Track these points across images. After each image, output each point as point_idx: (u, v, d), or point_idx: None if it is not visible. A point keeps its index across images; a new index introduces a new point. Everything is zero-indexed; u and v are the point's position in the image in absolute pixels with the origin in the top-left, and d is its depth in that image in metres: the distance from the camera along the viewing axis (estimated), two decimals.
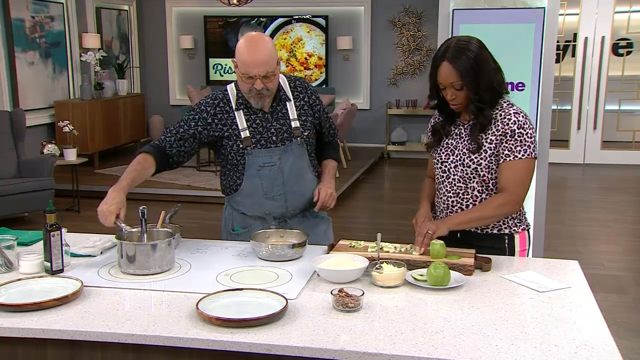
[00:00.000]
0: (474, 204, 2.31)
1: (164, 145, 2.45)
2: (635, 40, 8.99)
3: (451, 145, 2.33)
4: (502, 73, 2.27)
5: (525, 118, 2.24)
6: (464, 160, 2.28)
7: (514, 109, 2.25)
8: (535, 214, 3.93)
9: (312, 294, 1.95)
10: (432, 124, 2.43)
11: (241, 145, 2.45)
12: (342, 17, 9.66)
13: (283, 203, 2.51)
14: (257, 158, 2.45)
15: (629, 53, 9.05)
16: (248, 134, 2.45)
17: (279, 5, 9.72)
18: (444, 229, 2.20)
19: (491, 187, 2.29)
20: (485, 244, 2.32)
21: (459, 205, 2.34)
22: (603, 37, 8.96)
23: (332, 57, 9.77)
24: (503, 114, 2.24)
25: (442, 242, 2.17)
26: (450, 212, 2.36)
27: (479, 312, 1.82)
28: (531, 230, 2.45)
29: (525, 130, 2.21)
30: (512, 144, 2.21)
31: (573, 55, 9.13)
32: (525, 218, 2.40)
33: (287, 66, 9.85)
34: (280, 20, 9.81)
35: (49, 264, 2.11)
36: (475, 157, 2.26)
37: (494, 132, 2.23)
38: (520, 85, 3.80)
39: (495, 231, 2.33)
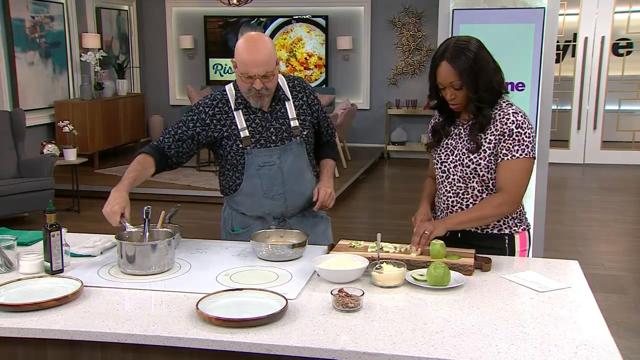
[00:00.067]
0: (474, 204, 2.31)
1: (162, 146, 2.45)
2: (635, 40, 8.99)
3: (451, 145, 2.33)
4: (501, 73, 2.27)
5: (524, 118, 2.24)
6: (463, 160, 2.28)
7: (512, 109, 2.25)
8: (535, 214, 3.93)
9: (312, 294, 1.95)
10: (432, 124, 2.43)
11: (240, 145, 2.45)
12: (342, 17, 9.66)
13: (283, 202, 2.51)
14: (256, 158, 2.45)
15: (629, 53, 9.06)
16: (247, 134, 2.45)
17: (279, 5, 9.72)
18: (442, 229, 2.20)
19: (491, 187, 2.29)
20: (486, 244, 2.32)
21: (458, 205, 2.34)
22: (603, 37, 8.96)
23: (332, 57, 9.78)
24: (502, 113, 2.24)
25: (442, 242, 2.17)
26: (450, 212, 2.36)
27: (479, 312, 1.82)
28: (531, 230, 2.45)
29: (523, 130, 2.21)
30: (511, 144, 2.21)
31: (573, 55, 9.13)
32: (525, 218, 2.40)
33: (287, 66, 9.85)
34: (280, 20, 9.81)
35: (49, 264, 2.11)
36: (475, 157, 2.26)
37: (492, 132, 2.23)
38: (520, 85, 3.80)
39: (495, 231, 2.33)
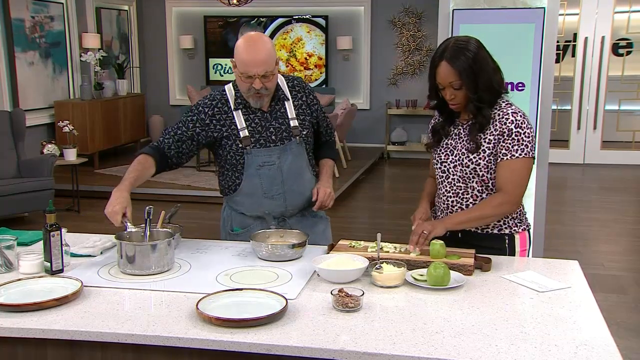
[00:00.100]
0: (474, 204, 2.31)
1: (162, 147, 2.45)
2: (635, 40, 8.99)
3: (450, 145, 2.33)
4: (500, 73, 2.27)
5: (524, 117, 2.24)
6: (462, 160, 2.28)
7: (512, 109, 2.25)
8: (535, 214, 3.93)
9: (312, 294, 1.95)
10: (432, 124, 2.44)
11: (240, 145, 2.45)
12: (342, 17, 9.66)
13: (282, 202, 2.51)
14: (256, 157, 2.45)
15: (629, 53, 9.06)
16: (247, 134, 2.45)
17: (279, 5, 9.72)
18: (441, 229, 2.20)
19: (491, 187, 2.29)
20: (486, 244, 2.32)
21: (458, 205, 2.34)
22: (603, 37, 8.96)
23: (332, 57, 9.78)
24: (501, 113, 2.24)
25: (442, 242, 2.17)
26: (450, 212, 2.36)
27: (479, 312, 1.82)
28: (531, 230, 2.45)
29: (523, 130, 2.21)
30: (510, 143, 2.21)
31: (573, 55, 9.13)
32: (525, 218, 2.40)
33: (287, 66, 9.85)
34: (280, 20, 9.81)
35: (49, 264, 2.11)
36: (474, 157, 2.26)
37: (492, 132, 2.24)
38: (520, 85, 3.80)
39: (495, 231, 2.33)
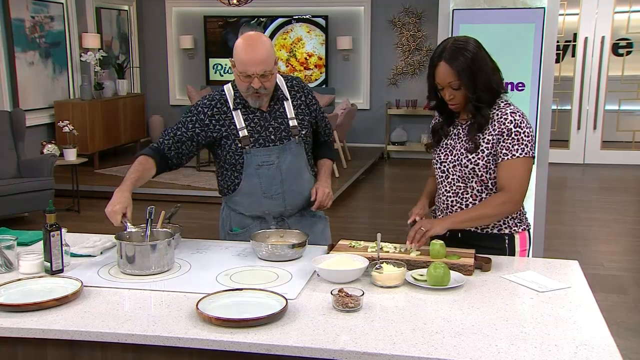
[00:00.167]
0: (474, 204, 2.31)
1: (162, 148, 2.45)
2: (635, 40, 8.99)
3: (450, 145, 2.34)
4: (499, 72, 2.28)
5: (522, 117, 2.24)
6: (461, 160, 2.28)
7: (510, 109, 2.25)
8: (535, 214, 3.93)
9: (312, 294, 1.95)
10: (432, 124, 2.44)
11: (239, 145, 2.45)
12: (342, 17, 9.66)
13: (281, 202, 2.51)
14: (255, 157, 2.46)
15: (629, 53, 9.06)
16: (246, 133, 2.45)
17: (279, 5, 9.72)
18: (440, 228, 2.20)
19: (490, 186, 2.29)
20: (486, 244, 2.32)
21: (458, 205, 2.34)
22: (603, 37, 8.96)
23: (332, 57, 9.78)
24: (500, 113, 2.24)
25: (442, 242, 2.17)
26: (449, 211, 2.36)
27: (479, 312, 1.82)
28: (531, 230, 2.45)
29: (522, 129, 2.21)
30: (510, 143, 2.21)
31: (573, 55, 9.13)
32: (525, 218, 2.40)
33: (287, 66, 9.85)
34: (280, 20, 9.81)
35: (49, 264, 2.11)
36: (473, 157, 2.26)
37: (490, 132, 2.24)
38: (520, 85, 3.80)
39: (495, 231, 2.33)
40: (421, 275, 2.03)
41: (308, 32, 9.76)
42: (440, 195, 2.40)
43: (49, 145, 6.48)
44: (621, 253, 5.45)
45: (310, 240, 2.38)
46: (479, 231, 2.33)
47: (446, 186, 2.36)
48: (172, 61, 10.21)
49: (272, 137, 2.47)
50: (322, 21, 9.67)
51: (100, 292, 1.98)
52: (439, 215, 2.42)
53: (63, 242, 2.14)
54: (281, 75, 2.56)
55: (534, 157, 2.26)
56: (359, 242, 2.34)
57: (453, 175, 2.32)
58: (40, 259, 2.14)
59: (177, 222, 2.54)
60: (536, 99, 3.80)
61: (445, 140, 2.36)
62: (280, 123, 2.49)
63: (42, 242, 2.15)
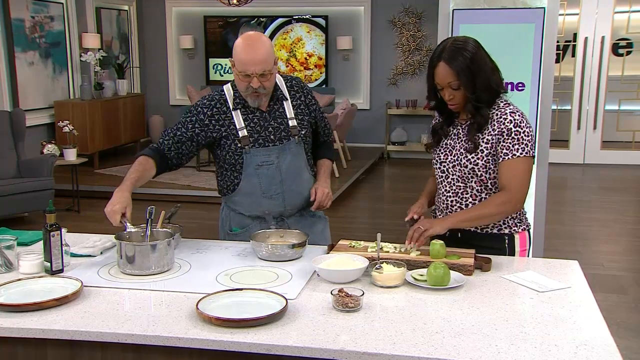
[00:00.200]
0: (473, 204, 2.31)
1: (162, 148, 2.45)
2: (635, 40, 8.99)
3: (449, 145, 2.34)
4: (499, 72, 2.28)
5: (522, 117, 2.24)
6: (461, 160, 2.28)
7: (510, 109, 2.25)
8: (535, 214, 3.93)
9: (312, 294, 1.95)
10: (432, 124, 2.44)
11: (239, 145, 2.45)
12: (342, 17, 9.66)
13: (281, 202, 2.51)
14: (255, 157, 2.46)
15: (629, 53, 9.06)
16: (246, 133, 2.45)
17: (279, 5, 9.72)
18: (439, 228, 2.19)
19: (490, 186, 2.29)
20: (485, 244, 2.32)
21: (458, 205, 2.34)
22: (603, 37, 8.96)
23: (332, 57, 9.78)
24: (499, 113, 2.24)
25: (442, 242, 2.17)
26: (449, 211, 2.36)
27: (479, 312, 1.82)
28: (531, 230, 2.45)
29: (522, 129, 2.21)
30: (510, 143, 2.21)
31: (573, 55, 9.13)
32: (525, 218, 2.40)
33: (286, 66, 9.85)
34: (280, 20, 9.81)
35: (49, 264, 2.11)
36: (472, 157, 2.26)
37: (490, 131, 2.24)
38: (520, 85, 3.80)
39: (495, 231, 2.33)
40: (421, 275, 2.03)
41: (308, 32, 9.76)
42: (440, 195, 2.40)
43: (49, 145, 6.48)
44: (621, 253, 5.45)
45: (309, 241, 2.38)
46: (478, 231, 2.33)
47: (446, 186, 2.36)
48: (172, 61, 10.21)
49: (272, 137, 2.47)
50: (322, 21, 9.67)
51: (100, 292, 1.98)
52: (439, 215, 2.42)
53: (63, 242, 2.14)
54: (281, 75, 2.56)
55: (534, 157, 2.26)
56: (359, 242, 2.34)
57: (453, 175, 2.32)
58: (40, 259, 2.14)
59: (177, 222, 2.54)
60: (536, 99, 3.80)
61: (445, 140, 2.36)
62: (279, 123, 2.49)
63: (42, 242, 2.15)
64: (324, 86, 9.78)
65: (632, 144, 9.18)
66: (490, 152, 2.24)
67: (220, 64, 10.05)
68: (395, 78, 9.63)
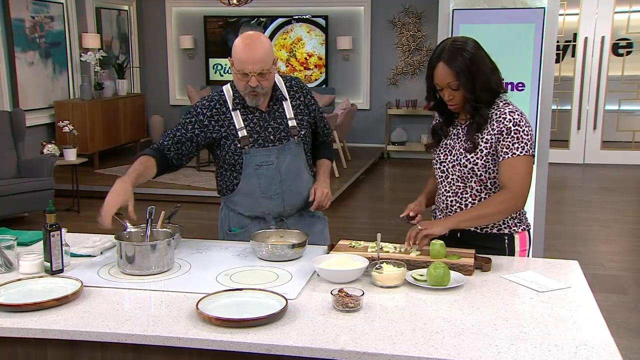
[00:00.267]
0: (473, 204, 2.31)
1: (162, 149, 2.46)
2: (635, 40, 8.99)
3: (449, 145, 2.34)
4: (498, 72, 2.28)
5: (521, 116, 2.24)
6: (460, 160, 2.28)
7: (509, 108, 2.25)
8: (535, 214, 3.93)
9: (312, 294, 1.95)
10: (432, 124, 2.44)
11: (239, 145, 2.45)
12: (342, 17, 9.66)
13: (280, 202, 2.51)
14: (254, 157, 2.46)
15: (629, 53, 9.06)
16: (245, 133, 2.45)
17: (279, 5, 9.72)
18: (438, 229, 2.19)
19: (489, 186, 2.29)
20: (485, 244, 2.32)
21: (458, 204, 2.34)
22: (603, 37, 8.96)
23: (332, 57, 9.78)
24: (498, 112, 2.24)
25: (442, 242, 2.17)
26: (449, 212, 2.36)
27: (479, 312, 1.82)
28: (531, 230, 2.45)
29: (521, 128, 2.21)
30: (510, 142, 2.21)
31: (573, 55, 9.13)
32: (525, 218, 2.40)
33: (286, 66, 9.85)
34: (280, 20, 9.81)
35: (48, 264, 2.11)
36: (472, 157, 2.26)
37: (489, 131, 2.24)
38: (520, 85, 3.80)
39: (495, 231, 2.33)
40: (421, 275, 2.03)
41: (308, 32, 9.77)
42: (440, 195, 2.40)
43: (49, 145, 6.48)
44: (621, 253, 5.45)
45: (309, 241, 2.38)
46: (478, 231, 2.33)
47: (446, 186, 2.36)
48: (172, 61, 10.21)
49: (272, 137, 2.47)
50: (322, 21, 9.67)
51: (100, 292, 1.98)
52: (439, 215, 2.42)
53: (63, 242, 2.14)
54: (280, 75, 2.56)
55: (533, 156, 2.26)
56: (359, 242, 2.34)
57: (452, 175, 2.32)
58: (40, 259, 2.14)
59: (177, 222, 2.54)
60: (536, 99, 3.80)
61: (445, 141, 2.36)
62: (279, 123, 2.49)
63: (42, 242, 2.15)
64: (324, 86, 9.78)
65: (632, 144, 9.18)
66: (489, 152, 2.24)
67: (220, 64, 10.05)
68: (395, 78, 9.63)
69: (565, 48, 9.12)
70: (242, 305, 1.83)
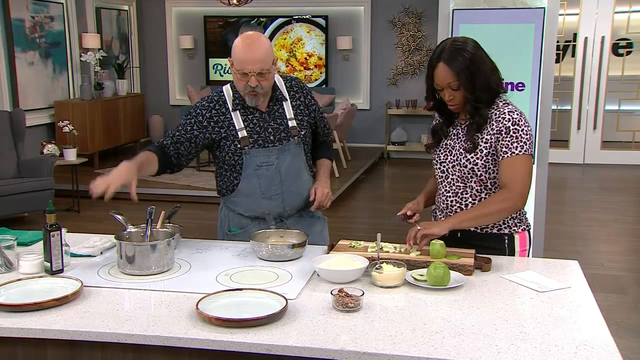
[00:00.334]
0: (473, 204, 2.31)
1: (163, 147, 2.45)
2: (635, 40, 8.99)
3: (449, 145, 2.34)
4: (498, 72, 2.28)
5: (520, 116, 2.24)
6: (460, 160, 2.28)
7: (509, 108, 2.25)
8: (535, 214, 3.93)
9: (312, 294, 1.95)
10: (432, 125, 2.44)
11: (239, 145, 2.45)
12: (342, 17, 9.66)
13: (280, 203, 2.51)
14: (254, 158, 2.46)
15: (629, 53, 9.06)
16: (245, 134, 2.45)
17: (279, 5, 9.72)
18: (438, 229, 2.19)
19: (489, 186, 2.29)
20: (485, 244, 2.32)
21: (458, 205, 2.34)
22: (603, 37, 8.96)
23: (332, 57, 9.77)
24: (498, 112, 2.24)
25: (442, 242, 2.17)
26: (449, 212, 2.36)
27: (479, 312, 1.82)
28: (531, 231, 2.45)
29: (520, 127, 2.21)
30: (509, 141, 2.21)
31: (573, 55, 9.13)
32: (525, 218, 2.40)
33: (286, 66, 9.85)
34: (280, 20, 9.81)
35: (48, 264, 2.11)
36: (472, 157, 2.26)
37: (489, 131, 2.24)
38: (520, 85, 3.80)
39: (495, 231, 2.33)
40: (421, 275, 2.03)
41: (308, 32, 9.76)
42: (440, 195, 2.40)
43: (49, 145, 6.48)
44: (621, 253, 5.45)
45: (308, 241, 2.38)
46: (478, 231, 2.33)
47: (446, 186, 2.36)
48: (172, 61, 10.21)
49: (272, 137, 2.47)
50: (322, 21, 9.67)
51: (100, 292, 1.98)
52: (439, 215, 2.42)
53: (63, 242, 2.14)
54: (280, 75, 2.56)
55: (533, 156, 2.26)
56: (359, 242, 2.34)
57: (452, 175, 2.33)
58: (40, 259, 2.14)
59: (177, 222, 2.54)
60: (536, 99, 3.80)
61: (445, 141, 2.36)
62: (279, 124, 2.49)
63: (42, 242, 2.15)
64: (324, 86, 9.78)
65: (632, 144, 9.18)
66: (489, 152, 2.24)
67: (220, 64, 10.05)
68: (395, 78, 9.63)
69: (565, 48, 9.12)
70: (242, 305, 1.83)
